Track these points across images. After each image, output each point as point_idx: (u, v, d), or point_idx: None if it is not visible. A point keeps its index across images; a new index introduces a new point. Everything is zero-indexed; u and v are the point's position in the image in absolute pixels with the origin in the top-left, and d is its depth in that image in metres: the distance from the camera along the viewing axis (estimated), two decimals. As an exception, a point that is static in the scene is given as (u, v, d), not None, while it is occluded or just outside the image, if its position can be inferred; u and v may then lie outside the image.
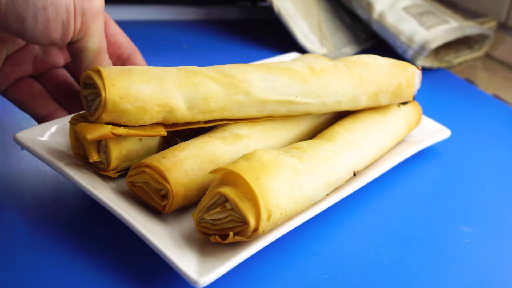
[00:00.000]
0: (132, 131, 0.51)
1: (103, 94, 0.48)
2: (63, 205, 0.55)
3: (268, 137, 0.58)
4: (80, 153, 0.54)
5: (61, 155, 0.53)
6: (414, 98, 0.66)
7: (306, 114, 0.59)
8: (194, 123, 0.55)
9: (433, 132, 0.70)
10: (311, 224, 0.55)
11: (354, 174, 0.56)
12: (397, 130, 0.63)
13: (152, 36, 1.08)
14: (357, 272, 0.50)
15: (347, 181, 0.56)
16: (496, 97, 0.97)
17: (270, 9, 1.06)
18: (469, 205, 0.62)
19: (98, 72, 0.49)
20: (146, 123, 0.51)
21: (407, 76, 0.63)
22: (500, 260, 0.54)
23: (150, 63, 0.95)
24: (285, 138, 0.59)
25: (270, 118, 0.58)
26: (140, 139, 0.53)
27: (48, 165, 0.52)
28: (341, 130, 0.59)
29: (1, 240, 0.50)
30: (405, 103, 0.66)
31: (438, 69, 1.06)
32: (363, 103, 0.61)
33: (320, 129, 0.63)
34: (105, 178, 0.53)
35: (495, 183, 0.67)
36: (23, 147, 0.54)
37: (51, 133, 0.56)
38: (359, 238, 0.55)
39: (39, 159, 0.53)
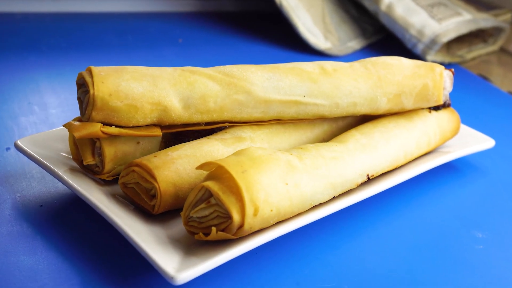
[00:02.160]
0: (124, 131, 0.51)
1: (91, 91, 0.50)
2: (50, 209, 0.55)
3: (275, 140, 0.57)
4: (79, 158, 0.55)
5: (59, 161, 0.55)
6: (447, 103, 0.65)
7: (319, 117, 0.59)
8: (194, 124, 0.55)
9: (472, 142, 0.68)
10: (317, 229, 0.55)
11: (368, 178, 0.56)
12: (426, 136, 0.62)
13: (146, 29, 1.08)
14: (365, 281, 0.50)
15: (362, 186, 0.56)
16: (512, 94, 0.97)
17: (270, 0, 1.06)
18: (482, 209, 0.62)
19: (90, 71, 0.51)
20: (140, 123, 0.52)
21: (433, 77, 0.62)
22: (516, 267, 0.54)
23: (143, 58, 0.95)
24: (294, 142, 0.59)
25: (278, 121, 0.58)
26: (138, 143, 0.54)
27: (46, 170, 0.54)
28: (357, 133, 0.58)
29: (-16, 247, 0.50)
30: (437, 108, 0.65)
31: (450, 64, 1.06)
32: (383, 105, 0.61)
33: (338, 134, 0.62)
34: (101, 182, 0.54)
35: (509, 185, 0.67)
36: (24, 153, 0.55)
37: (52, 140, 0.58)
38: (368, 245, 0.55)
39: (39, 165, 0.54)
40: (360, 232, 0.57)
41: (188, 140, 0.57)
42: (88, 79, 0.51)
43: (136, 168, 0.50)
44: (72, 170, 0.54)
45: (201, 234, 0.46)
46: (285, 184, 0.48)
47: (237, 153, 0.49)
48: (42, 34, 1.00)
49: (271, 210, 0.47)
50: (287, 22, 1.05)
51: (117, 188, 0.54)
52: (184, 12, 1.20)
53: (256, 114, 0.56)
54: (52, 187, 0.58)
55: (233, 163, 0.46)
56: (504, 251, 0.56)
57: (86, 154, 0.53)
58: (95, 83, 0.50)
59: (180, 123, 0.54)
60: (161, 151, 0.53)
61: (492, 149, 0.70)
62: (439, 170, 0.68)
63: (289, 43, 1.06)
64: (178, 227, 0.50)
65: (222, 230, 0.46)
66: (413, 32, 1.02)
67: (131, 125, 0.52)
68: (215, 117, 0.55)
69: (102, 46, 0.98)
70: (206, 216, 0.46)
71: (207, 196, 0.46)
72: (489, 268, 0.53)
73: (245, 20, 1.18)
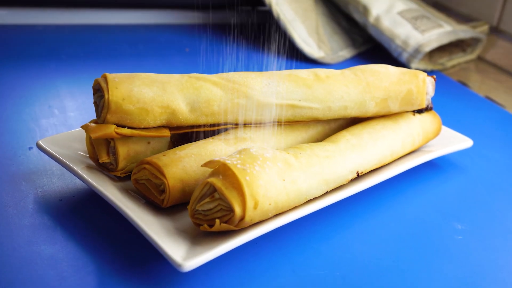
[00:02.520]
0: (136, 132, 0.52)
1: (106, 96, 0.50)
2: (69, 203, 0.55)
3: (273, 140, 0.57)
4: (95, 157, 0.55)
5: (77, 159, 0.55)
6: (429, 107, 0.64)
7: (313, 119, 0.59)
8: (199, 126, 0.55)
9: (453, 142, 0.68)
10: (311, 221, 0.55)
11: (358, 175, 0.56)
12: (410, 137, 0.62)
13: (156, 39, 1.08)
14: (354, 267, 0.50)
15: (352, 182, 0.56)
16: (488, 98, 0.97)
17: (269, 13, 1.06)
18: (461, 203, 0.62)
19: (105, 77, 0.51)
20: (150, 125, 0.52)
21: (417, 83, 0.62)
22: (492, 256, 0.54)
23: (153, 66, 0.95)
24: (291, 142, 0.59)
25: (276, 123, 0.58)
26: (149, 142, 0.54)
27: (65, 168, 0.54)
28: (348, 134, 0.58)
29: (10, 235, 0.50)
30: (420, 111, 0.65)
31: (432, 71, 1.06)
32: (371, 109, 0.61)
33: (330, 135, 0.62)
34: (115, 178, 0.54)
35: (486, 182, 0.67)
36: (45, 152, 0.55)
37: (71, 140, 0.58)
38: (357, 236, 0.55)
39: (58, 163, 0.54)
40: (350, 224, 0.56)
41: (194, 140, 0.57)
42: (103, 85, 0.51)
43: (147, 166, 0.50)
44: (89, 167, 0.54)
45: (206, 225, 0.46)
46: (283, 180, 0.48)
47: (238, 152, 0.49)
48: (61, 44, 1.00)
49: (270, 204, 0.47)
50: (284, 33, 1.05)
51: (130, 184, 0.54)
52: (191, 24, 1.20)
53: (256, 117, 0.56)
54: (71, 183, 0.58)
55: (235, 161, 0.46)
56: (482, 241, 0.56)
57: (101, 153, 0.53)
58: (109, 89, 0.50)
59: (187, 124, 0.54)
60: (169, 150, 0.53)
61: (470, 149, 0.70)
62: (422, 167, 0.68)
63: (286, 52, 1.06)
64: (185, 219, 0.50)
65: (225, 222, 0.46)
66: (398, 42, 1.02)
67: (142, 126, 0.52)
68: (218, 119, 0.55)
69: (116, 55, 0.98)
70: (211, 209, 0.46)
71: (212, 191, 0.46)
72: (468, 256, 0.53)
73: (246, 31, 1.18)
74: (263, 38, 1.15)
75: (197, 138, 0.57)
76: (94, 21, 1.12)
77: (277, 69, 0.59)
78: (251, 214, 0.45)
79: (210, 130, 0.57)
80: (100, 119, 0.52)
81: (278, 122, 0.58)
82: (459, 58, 1.12)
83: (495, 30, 1.16)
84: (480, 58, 1.16)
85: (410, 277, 0.50)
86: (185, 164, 0.51)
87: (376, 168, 0.59)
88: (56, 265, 0.47)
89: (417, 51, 1.00)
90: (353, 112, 0.60)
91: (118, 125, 0.52)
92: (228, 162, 0.46)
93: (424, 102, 0.63)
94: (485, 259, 0.53)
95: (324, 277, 0.49)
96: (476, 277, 0.51)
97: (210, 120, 0.54)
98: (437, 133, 0.67)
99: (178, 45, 1.06)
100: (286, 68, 0.60)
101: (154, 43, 1.06)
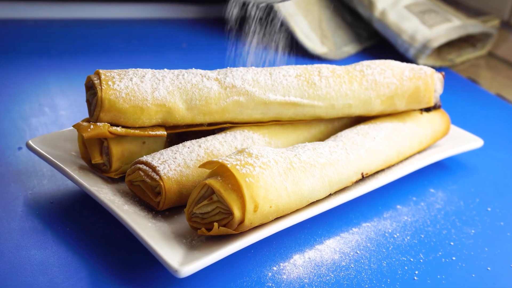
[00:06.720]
0: (130, 131, 0.52)
1: (99, 93, 0.50)
2: (60, 205, 0.55)
3: (274, 140, 0.58)
4: (88, 157, 0.55)
5: (69, 160, 0.55)
6: (438, 105, 0.64)
7: (315, 118, 0.59)
8: (197, 125, 0.55)
9: (462, 142, 0.67)
10: (313, 224, 0.55)
11: (363, 176, 0.56)
12: (418, 137, 0.62)
13: (151, 34, 1.08)
14: (358, 270, 0.50)
15: (356, 184, 0.56)
16: (500, 96, 0.97)
17: (270, 7, 1.06)
18: (471, 205, 0.62)
19: (97, 74, 0.51)
20: (145, 124, 0.52)
21: (425, 80, 0.62)
22: (504, 260, 0.54)
23: (149, 62, 0.95)
24: (293, 142, 0.59)
25: (277, 122, 0.58)
26: (144, 142, 0.54)
27: (56, 169, 0.54)
28: (352, 133, 0.58)
29: (-3, 241, 0.50)
30: (428, 110, 0.65)
31: (440, 68, 1.06)
32: (376, 107, 0.61)
33: (333, 135, 0.61)
34: (108, 180, 0.54)
35: (497, 183, 0.67)
36: (35, 153, 0.55)
37: (62, 140, 0.58)
38: (361, 239, 0.55)
39: (49, 164, 0.54)
40: (354, 226, 0.56)
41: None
42: (96, 82, 0.51)
43: (141, 166, 0.50)
44: (81, 168, 0.54)
45: (203, 229, 0.46)
46: (284, 182, 0.48)
47: (238, 153, 0.49)
48: (52, 39, 1.00)
49: (270, 207, 0.47)
50: (286, 28, 1.05)
51: (124, 186, 0.54)
52: (187, 18, 1.20)
53: (256, 115, 0.56)
54: (62, 185, 0.58)
55: (234, 161, 0.46)
56: (493, 245, 0.56)
57: (94, 153, 0.53)
58: (103, 86, 0.50)
59: (183, 124, 0.54)
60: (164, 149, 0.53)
61: (480, 149, 0.70)
62: (430, 168, 0.68)
63: (287, 48, 1.06)
64: (181, 222, 0.50)
65: (224, 226, 0.46)
66: (405, 37, 1.02)
67: (137, 125, 0.52)
68: (217, 118, 0.55)
69: (109, 51, 0.98)
70: (209, 212, 0.46)
71: (210, 193, 0.46)
72: (478, 260, 0.53)
73: (246, 26, 1.18)
74: (264, 33, 1.15)
75: (194, 138, 0.57)
76: (86, 16, 1.12)
77: (278, 66, 0.59)
78: (250, 217, 0.45)
79: (208, 130, 0.57)
80: (93, 117, 0.52)
81: (279, 121, 0.58)
82: (468, 54, 1.12)
83: (506, 25, 1.16)
84: (490, 54, 1.16)
85: (416, 281, 0.50)
86: (182, 165, 0.51)
87: (382, 169, 0.59)
88: (46, 271, 0.47)
89: (424, 46, 1.00)
90: (358, 111, 0.60)
91: (112, 124, 0.52)
92: (227, 162, 0.46)
93: (432, 100, 0.63)
94: (497, 263, 0.53)
95: (329, 281, 0.49)
96: (488, 282, 0.51)
97: (208, 119, 0.54)
98: (445, 132, 0.67)
99: (174, 40, 1.06)
100: (288, 65, 0.60)
101: (149, 38, 1.06)
